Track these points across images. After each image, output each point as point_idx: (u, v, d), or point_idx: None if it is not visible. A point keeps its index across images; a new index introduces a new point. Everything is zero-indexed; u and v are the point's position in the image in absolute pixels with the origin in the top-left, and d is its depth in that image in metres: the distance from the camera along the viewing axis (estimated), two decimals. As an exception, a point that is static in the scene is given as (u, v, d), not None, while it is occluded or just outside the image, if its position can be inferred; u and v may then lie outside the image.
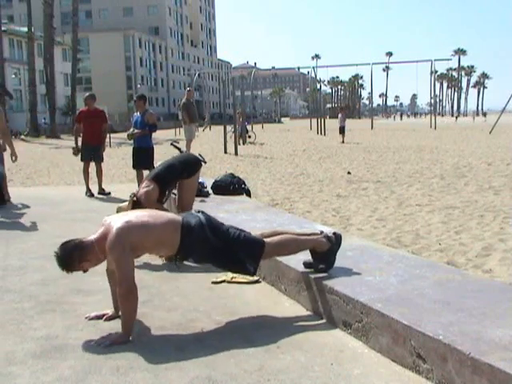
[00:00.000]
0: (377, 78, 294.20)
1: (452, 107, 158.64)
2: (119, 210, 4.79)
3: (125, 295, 3.08)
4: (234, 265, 3.48)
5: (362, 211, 7.56)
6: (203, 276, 4.36)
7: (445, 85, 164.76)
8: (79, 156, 9.53)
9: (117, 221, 3.17)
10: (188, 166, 5.48)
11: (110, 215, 3.40)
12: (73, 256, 3.14)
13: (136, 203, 4.89)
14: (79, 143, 9.60)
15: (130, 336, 3.10)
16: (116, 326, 3.23)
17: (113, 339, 3.06)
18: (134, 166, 9.23)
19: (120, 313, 3.22)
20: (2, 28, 40.64)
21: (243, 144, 24.37)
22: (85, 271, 3.26)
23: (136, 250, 3.21)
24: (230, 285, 4.16)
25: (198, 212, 3.53)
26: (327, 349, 2.96)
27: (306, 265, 3.69)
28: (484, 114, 78.69)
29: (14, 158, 7.89)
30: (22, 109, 51.45)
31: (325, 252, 3.60)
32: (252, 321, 3.41)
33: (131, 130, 9.09)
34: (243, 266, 3.42)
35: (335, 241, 3.64)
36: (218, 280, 4.22)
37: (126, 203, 5.15)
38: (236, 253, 3.37)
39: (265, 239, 3.49)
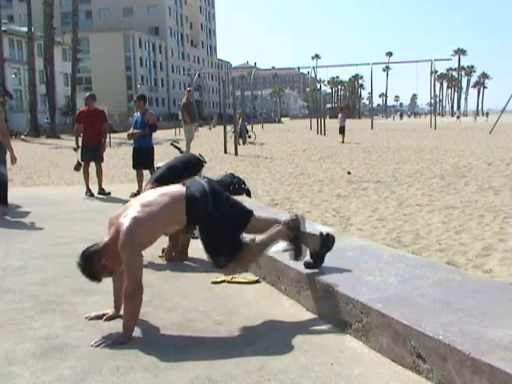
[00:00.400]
0: (377, 78, 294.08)
1: (452, 107, 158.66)
2: None
3: (131, 295, 3.08)
4: (210, 247, 3.43)
5: (362, 211, 7.56)
6: (203, 276, 4.36)
7: (445, 85, 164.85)
8: (79, 156, 9.53)
9: (126, 219, 3.17)
10: (190, 166, 5.49)
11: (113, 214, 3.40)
12: (93, 259, 3.17)
13: None
14: (79, 143, 9.61)
15: (131, 336, 3.10)
16: (116, 325, 3.23)
17: (113, 339, 3.06)
18: (133, 166, 9.24)
19: (122, 312, 3.22)
20: (2, 28, 40.67)
21: (243, 144, 24.36)
22: (111, 274, 3.27)
23: (148, 240, 3.26)
24: (229, 285, 4.17)
25: (203, 178, 3.54)
26: (327, 349, 2.96)
27: (306, 265, 3.70)
28: (486, 114, 78.06)
29: (13, 161, 7.85)
30: (21, 109, 51.44)
31: (318, 250, 3.64)
32: (252, 321, 3.42)
33: (131, 129, 9.10)
34: (216, 256, 3.42)
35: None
36: (218, 280, 4.22)
37: None
38: (220, 240, 3.38)
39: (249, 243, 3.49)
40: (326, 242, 3.66)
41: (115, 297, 3.44)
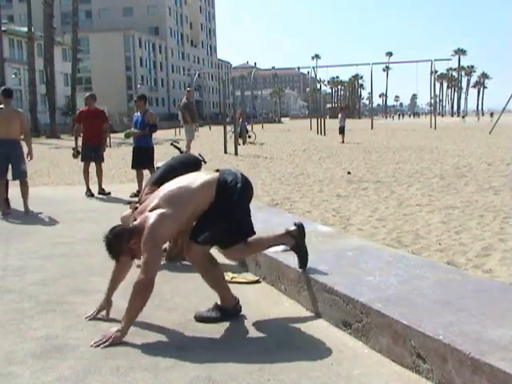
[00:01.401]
0: (377, 78, 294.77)
1: (452, 107, 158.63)
2: (123, 220, 4.76)
3: (141, 289, 3.06)
4: (202, 229, 3.36)
5: (362, 211, 7.56)
6: (203, 276, 4.35)
7: (445, 85, 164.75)
8: (79, 156, 9.55)
9: (152, 214, 3.17)
10: (188, 165, 5.48)
11: (133, 202, 3.40)
12: (122, 237, 3.18)
13: None
14: (79, 143, 9.61)
15: (127, 331, 3.08)
16: (116, 326, 3.23)
17: (112, 337, 3.04)
18: (132, 167, 9.23)
19: (126, 307, 3.12)
20: (2, 28, 40.62)
21: (243, 144, 24.35)
22: (133, 258, 3.27)
23: (172, 234, 3.32)
24: (229, 285, 4.16)
25: (240, 172, 3.53)
26: (327, 349, 2.96)
27: (300, 265, 3.73)
28: (491, 114, 77.54)
29: (29, 158, 8.03)
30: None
31: (295, 247, 3.67)
32: (252, 321, 3.42)
33: (131, 129, 9.10)
34: (199, 234, 3.35)
35: (297, 234, 3.65)
36: (218, 280, 4.21)
37: (129, 211, 5.14)
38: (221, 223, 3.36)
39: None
40: (296, 231, 3.64)
41: (112, 282, 3.44)
